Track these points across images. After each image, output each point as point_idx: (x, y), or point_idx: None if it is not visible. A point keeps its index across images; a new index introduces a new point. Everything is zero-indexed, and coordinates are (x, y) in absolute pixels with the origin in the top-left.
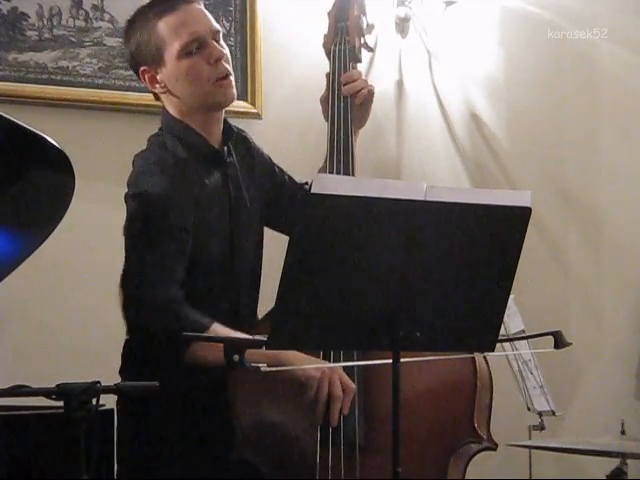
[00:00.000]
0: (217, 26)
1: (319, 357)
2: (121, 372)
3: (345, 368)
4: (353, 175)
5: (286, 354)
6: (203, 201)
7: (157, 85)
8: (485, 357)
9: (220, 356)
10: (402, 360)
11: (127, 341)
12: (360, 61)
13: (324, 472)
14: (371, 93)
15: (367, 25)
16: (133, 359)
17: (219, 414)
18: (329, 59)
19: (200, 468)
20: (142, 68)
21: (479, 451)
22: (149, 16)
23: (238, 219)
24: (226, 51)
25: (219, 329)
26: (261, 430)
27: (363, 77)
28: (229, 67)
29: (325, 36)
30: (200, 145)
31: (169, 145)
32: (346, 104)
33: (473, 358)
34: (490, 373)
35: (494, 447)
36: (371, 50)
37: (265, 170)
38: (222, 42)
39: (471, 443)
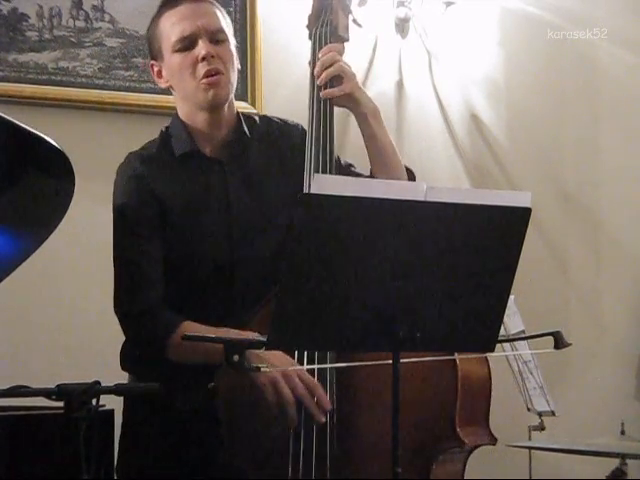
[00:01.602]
0: (217, 26)
1: (293, 358)
2: (123, 368)
3: (319, 376)
4: (331, 172)
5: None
6: (179, 201)
7: (162, 80)
8: (486, 356)
9: (198, 356)
10: (402, 360)
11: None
12: (347, 40)
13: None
14: (338, 68)
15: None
16: (131, 358)
17: (208, 418)
18: (310, 41)
19: (188, 472)
20: (151, 62)
21: (476, 447)
22: (157, 12)
23: (241, 217)
24: (225, 50)
25: (191, 327)
26: (244, 436)
27: (336, 55)
28: (221, 66)
29: (308, 17)
30: (185, 150)
31: (150, 146)
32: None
33: (454, 360)
34: (488, 368)
35: (493, 443)
36: (360, 26)
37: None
38: (227, 42)
39: (454, 448)
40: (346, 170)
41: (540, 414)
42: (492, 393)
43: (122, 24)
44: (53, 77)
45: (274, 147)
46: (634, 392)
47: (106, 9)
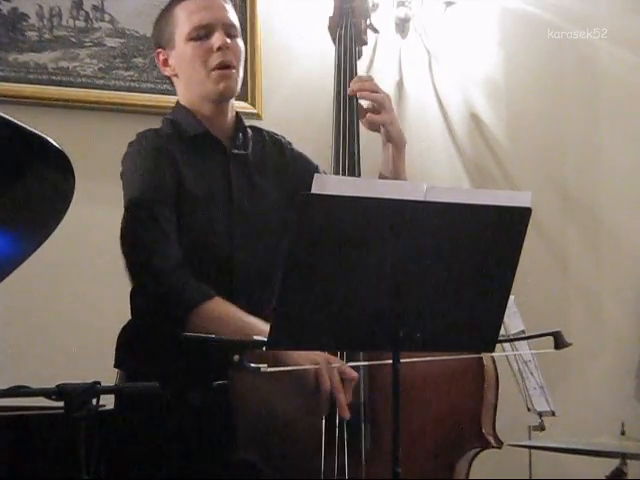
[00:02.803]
0: (233, 21)
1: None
2: (118, 364)
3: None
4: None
5: (285, 352)
6: (192, 185)
7: (167, 68)
8: (492, 356)
9: (219, 330)
10: (403, 360)
11: (124, 329)
12: (366, 43)
13: (329, 475)
14: (384, 98)
15: (372, 4)
16: (130, 346)
17: (220, 413)
18: (334, 43)
19: (201, 468)
20: (157, 50)
21: (482, 449)
22: (172, 2)
23: (241, 212)
24: (238, 46)
25: (222, 304)
26: (264, 430)
27: (378, 86)
28: (234, 60)
29: (330, 19)
30: (197, 131)
31: (162, 129)
32: (352, 99)
33: (480, 358)
34: (496, 370)
35: (499, 446)
36: (376, 31)
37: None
38: (238, 39)
39: (477, 447)
40: None
41: (540, 414)
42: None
43: (122, 24)
44: (53, 77)
45: (267, 149)
46: (634, 392)
47: (106, 9)
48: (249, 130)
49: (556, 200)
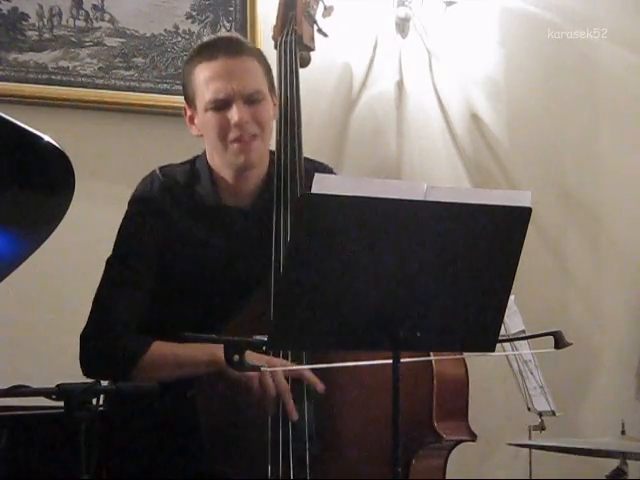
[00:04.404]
0: (256, 84)
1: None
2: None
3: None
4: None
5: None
6: (179, 246)
7: (193, 127)
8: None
9: (163, 375)
10: (402, 360)
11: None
12: (312, 49)
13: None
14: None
15: (325, 8)
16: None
17: (186, 417)
18: (275, 50)
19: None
20: (185, 106)
21: (457, 443)
22: (193, 57)
23: (231, 277)
24: (262, 111)
25: (161, 346)
26: (224, 440)
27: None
28: (255, 129)
29: (274, 28)
30: (210, 201)
31: (176, 180)
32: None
33: (430, 361)
34: (465, 371)
35: (472, 439)
36: (325, 35)
37: None
38: (263, 102)
39: (433, 442)
40: None
41: (540, 414)
42: (492, 393)
43: (122, 24)
44: (53, 77)
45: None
46: (634, 392)
47: (106, 9)
48: (275, 186)
49: (556, 200)
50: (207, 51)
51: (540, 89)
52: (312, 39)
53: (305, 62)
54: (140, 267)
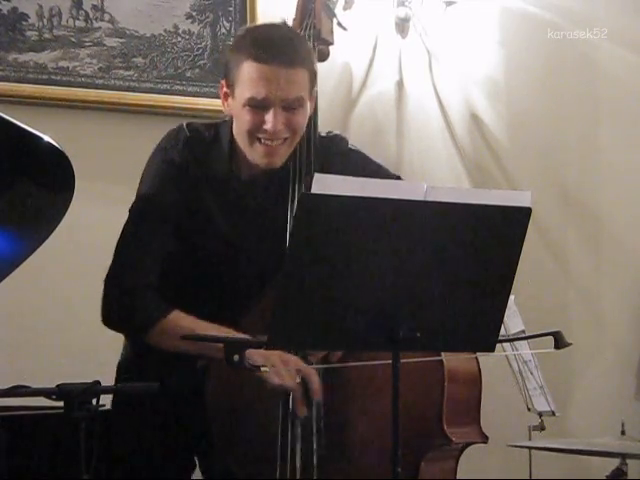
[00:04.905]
0: (299, 93)
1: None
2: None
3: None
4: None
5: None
6: (199, 213)
7: (225, 104)
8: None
9: (175, 344)
10: (413, 360)
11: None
12: (332, 43)
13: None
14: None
15: (346, 1)
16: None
17: (199, 421)
18: None
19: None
20: (222, 81)
21: (468, 445)
22: (245, 47)
23: (248, 252)
24: (297, 118)
25: (180, 317)
26: (233, 438)
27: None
28: (287, 133)
29: (293, 21)
30: (223, 173)
31: (201, 139)
32: None
33: (440, 360)
34: (477, 370)
35: (484, 441)
36: (345, 29)
37: None
38: (302, 109)
39: (442, 445)
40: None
41: (540, 414)
42: (492, 393)
43: (122, 24)
44: (53, 77)
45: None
46: (634, 392)
47: (106, 9)
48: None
49: (556, 200)
50: (262, 51)
51: (540, 89)
52: (331, 33)
53: (324, 56)
54: (161, 223)
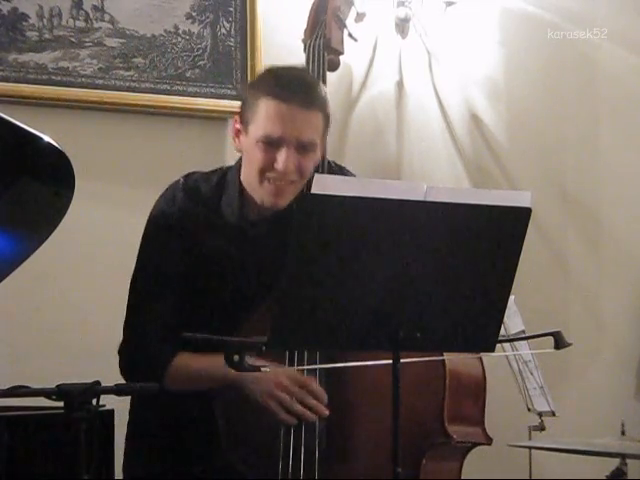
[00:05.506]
0: (313, 137)
1: (283, 362)
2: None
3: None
4: None
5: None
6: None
7: (237, 140)
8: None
9: (182, 386)
10: (415, 359)
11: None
12: (342, 53)
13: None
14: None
15: (358, 14)
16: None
17: (204, 417)
18: (304, 53)
19: (184, 474)
20: (236, 117)
21: (474, 446)
22: (265, 85)
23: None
24: (308, 162)
25: (185, 357)
26: (237, 438)
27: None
28: (296, 176)
29: (304, 31)
30: (233, 219)
31: (200, 193)
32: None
33: (442, 360)
34: (482, 370)
35: (488, 443)
36: (355, 40)
37: None
38: (312, 153)
39: (443, 443)
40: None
41: (540, 414)
42: (492, 393)
43: (122, 24)
44: (53, 77)
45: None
46: (634, 392)
47: (106, 9)
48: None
49: (556, 200)
50: (281, 90)
51: (540, 89)
52: (341, 43)
53: (334, 66)
54: (164, 286)
